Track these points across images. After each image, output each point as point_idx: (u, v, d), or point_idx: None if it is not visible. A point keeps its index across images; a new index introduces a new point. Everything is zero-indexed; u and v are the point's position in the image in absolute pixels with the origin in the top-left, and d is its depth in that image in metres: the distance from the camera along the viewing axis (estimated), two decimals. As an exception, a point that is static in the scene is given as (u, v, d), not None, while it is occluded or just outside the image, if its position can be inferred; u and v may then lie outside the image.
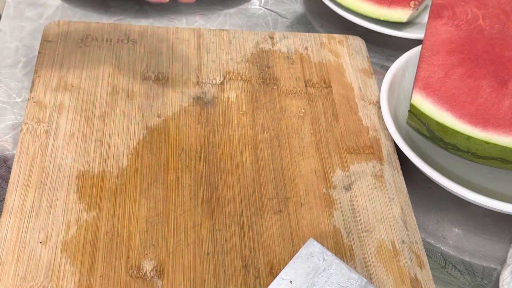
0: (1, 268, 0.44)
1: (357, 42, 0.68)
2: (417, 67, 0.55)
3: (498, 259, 0.53)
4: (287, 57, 0.65)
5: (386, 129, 0.59)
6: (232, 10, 0.74)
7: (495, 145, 0.50)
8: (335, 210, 0.52)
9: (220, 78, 0.61)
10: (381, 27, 0.70)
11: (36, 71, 0.57)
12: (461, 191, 0.52)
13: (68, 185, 0.50)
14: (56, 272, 0.44)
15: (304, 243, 0.44)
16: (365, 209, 0.53)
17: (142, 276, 0.45)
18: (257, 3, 0.76)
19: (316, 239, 0.48)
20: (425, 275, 0.49)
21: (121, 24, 0.64)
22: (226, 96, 0.59)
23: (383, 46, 0.71)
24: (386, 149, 0.58)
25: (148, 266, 0.46)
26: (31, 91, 0.56)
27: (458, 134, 0.51)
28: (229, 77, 0.61)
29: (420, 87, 0.53)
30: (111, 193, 0.50)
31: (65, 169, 0.51)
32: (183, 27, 0.65)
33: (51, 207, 0.48)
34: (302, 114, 0.59)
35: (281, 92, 0.61)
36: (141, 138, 0.54)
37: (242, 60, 0.63)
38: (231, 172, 0.53)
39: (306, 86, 0.62)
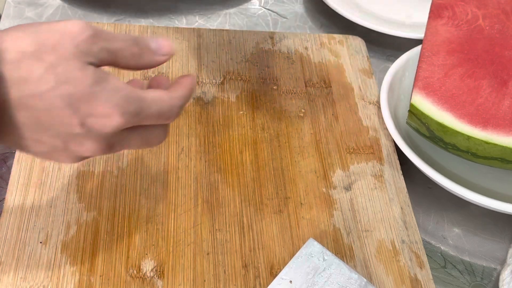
0: (1, 268, 0.44)
1: (357, 42, 0.68)
2: (417, 67, 0.55)
3: (498, 259, 0.53)
4: (287, 57, 0.65)
5: (386, 129, 0.59)
6: (232, 10, 0.74)
7: (495, 145, 0.50)
8: (335, 210, 0.52)
9: (220, 78, 0.61)
10: (381, 27, 0.70)
11: (36, 71, 0.57)
12: (461, 191, 0.52)
13: (68, 185, 0.50)
14: (56, 272, 0.44)
15: (304, 243, 0.43)
16: (365, 209, 0.53)
17: (142, 276, 0.45)
18: (257, 3, 0.76)
19: (316, 239, 0.48)
20: (425, 275, 0.49)
21: (121, 24, 0.64)
22: (226, 96, 0.59)
23: (383, 46, 0.71)
24: (386, 149, 0.58)
25: (148, 266, 0.46)
26: (31, 91, 0.56)
27: (458, 134, 0.51)
28: (229, 77, 0.61)
29: (420, 87, 0.53)
30: (111, 193, 0.50)
31: (65, 169, 0.51)
32: (183, 27, 0.65)
33: (51, 207, 0.48)
34: (302, 114, 0.59)
35: (281, 92, 0.61)
36: (141, 138, 0.54)
37: (242, 60, 0.63)
38: (231, 172, 0.53)
39: (306, 86, 0.62)
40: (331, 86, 0.63)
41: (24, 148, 0.36)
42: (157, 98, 0.37)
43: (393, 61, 0.64)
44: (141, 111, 0.36)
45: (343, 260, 0.48)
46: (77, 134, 0.35)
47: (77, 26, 0.34)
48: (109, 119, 0.35)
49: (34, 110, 0.34)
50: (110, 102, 0.35)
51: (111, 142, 0.37)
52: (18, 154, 0.51)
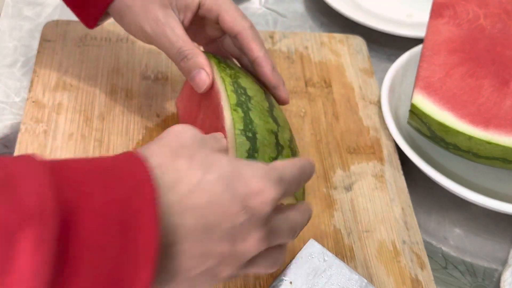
0: None
1: (358, 41, 0.68)
2: (418, 66, 0.55)
3: (500, 259, 0.53)
4: (287, 56, 0.64)
5: (386, 129, 0.58)
6: (232, 9, 0.73)
7: (497, 145, 0.50)
8: (336, 211, 0.52)
9: (220, 77, 0.61)
10: (382, 26, 0.70)
11: (34, 71, 0.57)
12: (462, 192, 0.51)
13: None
14: None
15: (304, 243, 0.43)
16: (365, 210, 0.52)
17: (141, 277, 0.45)
18: (257, 2, 0.75)
19: (317, 239, 0.48)
20: (426, 276, 0.49)
21: (121, 23, 0.64)
22: (226, 95, 0.59)
23: (384, 45, 0.71)
24: (387, 149, 0.58)
25: (147, 267, 0.45)
26: (29, 91, 0.55)
27: (459, 134, 0.51)
28: (229, 76, 0.61)
29: (421, 86, 0.53)
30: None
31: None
32: (182, 26, 0.65)
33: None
34: (302, 114, 0.59)
35: (281, 92, 0.60)
36: (140, 138, 0.54)
37: (242, 59, 0.63)
38: (231, 172, 0.53)
39: (306, 85, 0.62)
40: (331, 86, 0.62)
41: (190, 278, 0.35)
42: (285, 162, 0.38)
43: (394, 60, 0.64)
44: (283, 176, 0.37)
45: (344, 261, 0.47)
46: (242, 224, 0.35)
47: (180, 127, 0.37)
48: (264, 194, 0.35)
49: (197, 208, 0.33)
50: (256, 174, 0.35)
51: (270, 229, 0.37)
52: (17, 154, 0.50)
